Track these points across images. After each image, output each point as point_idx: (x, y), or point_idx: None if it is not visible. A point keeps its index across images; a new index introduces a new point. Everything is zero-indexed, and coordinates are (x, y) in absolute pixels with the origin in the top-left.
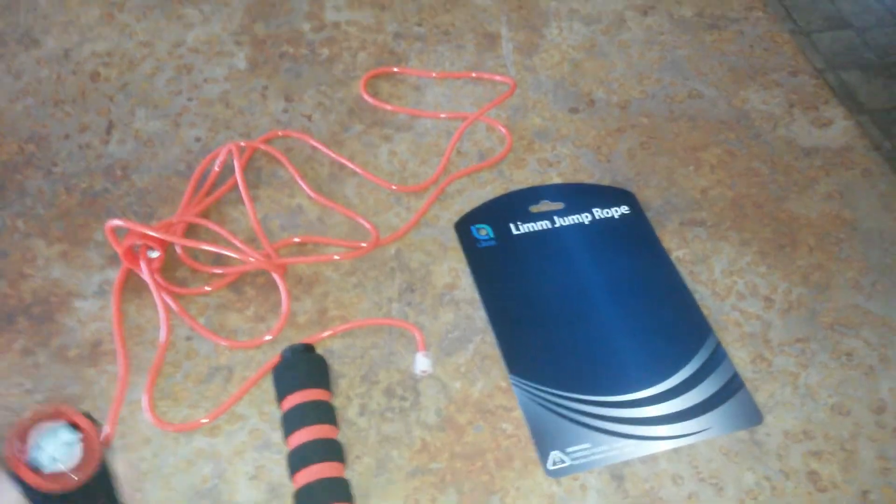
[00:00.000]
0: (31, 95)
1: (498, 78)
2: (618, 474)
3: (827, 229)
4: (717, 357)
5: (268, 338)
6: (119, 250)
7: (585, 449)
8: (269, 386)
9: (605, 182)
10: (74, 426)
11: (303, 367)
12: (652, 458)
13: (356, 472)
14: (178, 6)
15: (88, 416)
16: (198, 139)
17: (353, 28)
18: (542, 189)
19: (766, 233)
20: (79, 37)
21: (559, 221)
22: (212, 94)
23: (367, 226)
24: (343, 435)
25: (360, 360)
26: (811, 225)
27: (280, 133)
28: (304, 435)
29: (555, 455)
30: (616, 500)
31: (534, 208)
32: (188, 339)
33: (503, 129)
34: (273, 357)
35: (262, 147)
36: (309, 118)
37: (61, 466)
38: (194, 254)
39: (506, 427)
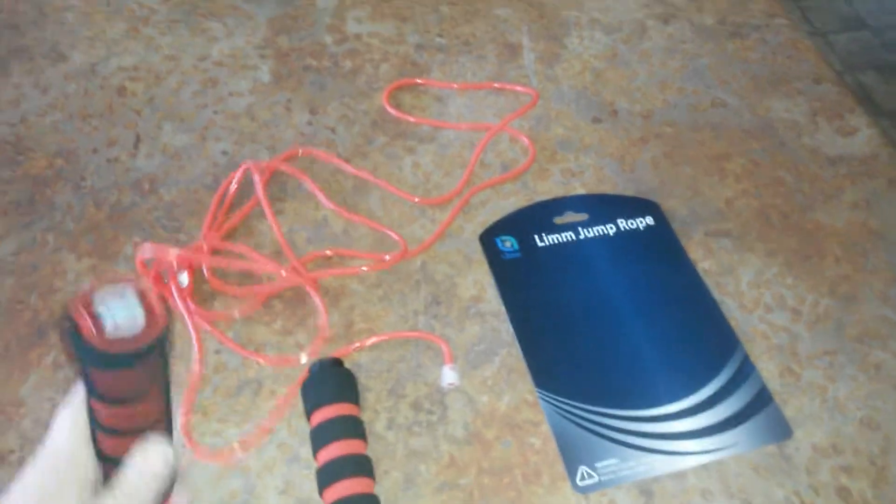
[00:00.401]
0: (58, 110)
1: (520, 88)
2: (646, 490)
3: (853, 239)
4: (746, 370)
5: (304, 360)
6: (147, 274)
7: (613, 464)
8: (297, 401)
9: (630, 192)
10: (139, 293)
11: (332, 382)
12: (681, 474)
13: (384, 487)
14: (202, 20)
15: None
16: (224, 152)
17: (375, 40)
18: (565, 200)
19: (792, 243)
20: (105, 51)
21: (583, 233)
22: (237, 107)
23: (395, 237)
24: (371, 449)
25: (386, 373)
26: (837, 235)
27: (300, 152)
28: (333, 450)
29: (583, 470)
30: None
31: (558, 220)
32: (217, 352)
33: (526, 140)
34: (302, 372)
35: (282, 167)
36: (333, 130)
37: (125, 327)
38: (222, 274)
39: (533, 442)
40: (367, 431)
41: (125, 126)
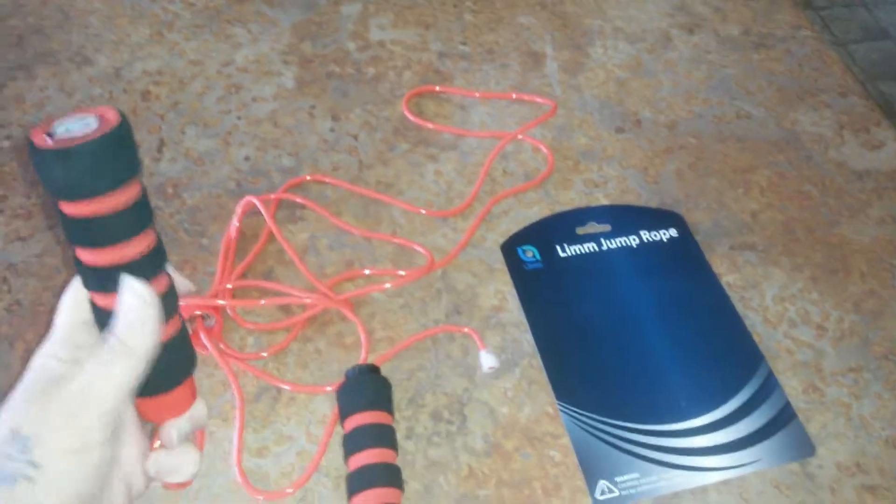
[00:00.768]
0: None
1: (539, 99)
2: None
3: (879, 255)
4: (769, 386)
5: (329, 388)
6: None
7: (634, 479)
8: (316, 406)
9: (653, 204)
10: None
11: (368, 389)
12: (702, 490)
13: (403, 498)
14: (226, 26)
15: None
16: (247, 158)
17: (398, 47)
18: (588, 211)
19: (817, 258)
20: (129, 55)
21: (606, 244)
22: (260, 113)
23: (421, 250)
24: None
25: (406, 382)
26: (864, 250)
27: (308, 177)
28: (365, 457)
29: (603, 484)
30: None
31: (580, 230)
32: (233, 358)
33: (545, 149)
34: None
35: (288, 198)
36: (355, 137)
37: (77, 131)
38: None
39: (553, 454)
40: None
41: (149, 130)
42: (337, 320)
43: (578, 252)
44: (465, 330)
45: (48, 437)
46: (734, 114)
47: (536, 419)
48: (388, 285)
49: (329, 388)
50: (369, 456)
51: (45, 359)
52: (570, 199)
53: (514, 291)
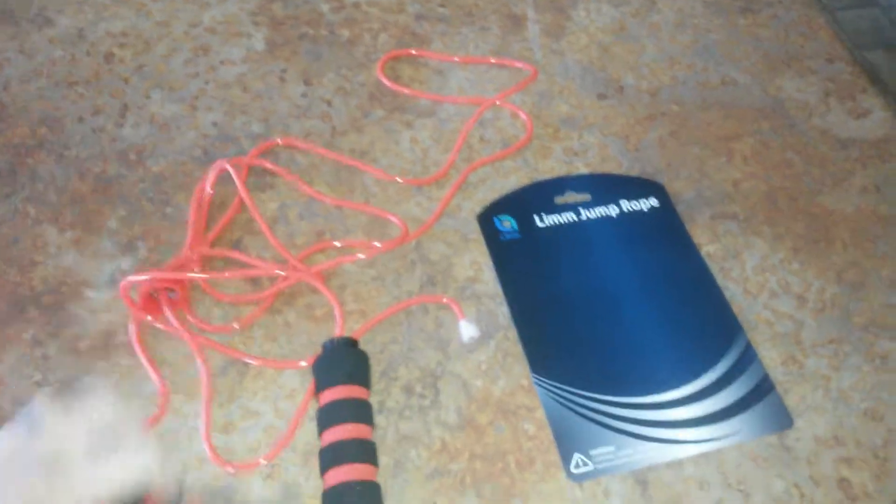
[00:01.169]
0: (43, 76)
1: (519, 64)
2: (642, 479)
3: (862, 225)
4: (748, 358)
5: (302, 363)
6: (135, 307)
7: (609, 452)
8: (284, 381)
9: (634, 173)
10: None
11: (345, 363)
12: (678, 463)
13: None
14: None
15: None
16: (214, 124)
17: (373, 9)
18: (567, 179)
19: (799, 228)
20: (93, 16)
21: (585, 214)
22: (229, 76)
23: (395, 220)
24: None
25: (378, 355)
26: (846, 220)
27: (280, 141)
28: (340, 433)
29: (577, 458)
30: None
31: (559, 199)
32: (202, 330)
33: (524, 116)
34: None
35: (259, 164)
36: (328, 103)
37: None
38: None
39: (528, 428)
40: None
41: (112, 94)
42: (307, 292)
43: (557, 222)
44: (444, 299)
45: None
46: (719, 80)
47: (511, 392)
48: (360, 256)
49: (303, 363)
50: (344, 431)
51: None
52: (549, 168)
53: (490, 262)
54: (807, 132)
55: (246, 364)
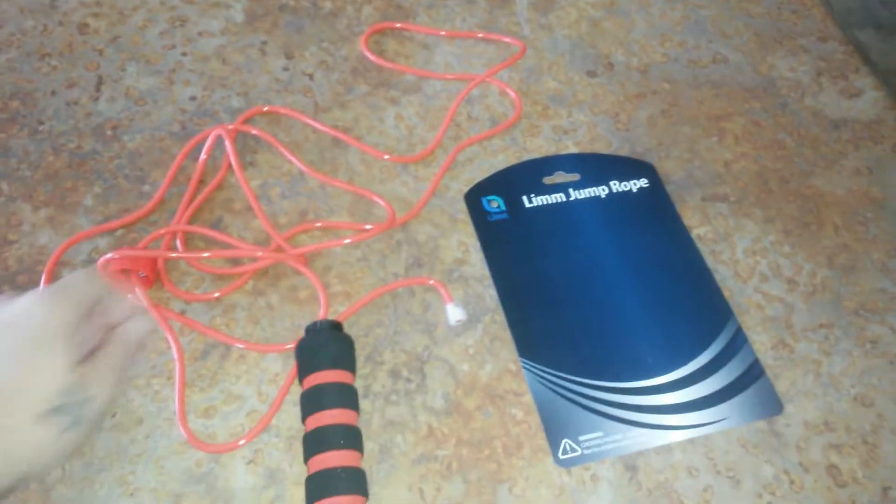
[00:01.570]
0: (14, 48)
1: (507, 39)
2: (631, 465)
3: (854, 207)
4: (738, 342)
5: (289, 346)
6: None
7: (598, 437)
8: (268, 365)
9: (624, 152)
10: None
11: (330, 346)
12: (667, 449)
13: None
14: None
15: None
16: (192, 98)
17: None
18: (556, 159)
19: (790, 210)
20: None
21: (574, 194)
22: (207, 49)
23: (381, 202)
24: None
25: (364, 338)
26: (838, 202)
27: (266, 108)
28: (324, 418)
29: (566, 443)
30: (629, 492)
31: (548, 180)
32: (182, 312)
33: (513, 94)
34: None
35: (246, 130)
36: (310, 77)
37: None
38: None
39: (515, 413)
40: None
41: (86, 67)
42: (290, 273)
43: (545, 203)
44: (431, 282)
45: None
46: (710, 58)
47: (498, 377)
48: (347, 240)
49: (289, 346)
50: (329, 417)
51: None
52: (538, 147)
53: (477, 244)
54: (799, 112)
55: (228, 347)
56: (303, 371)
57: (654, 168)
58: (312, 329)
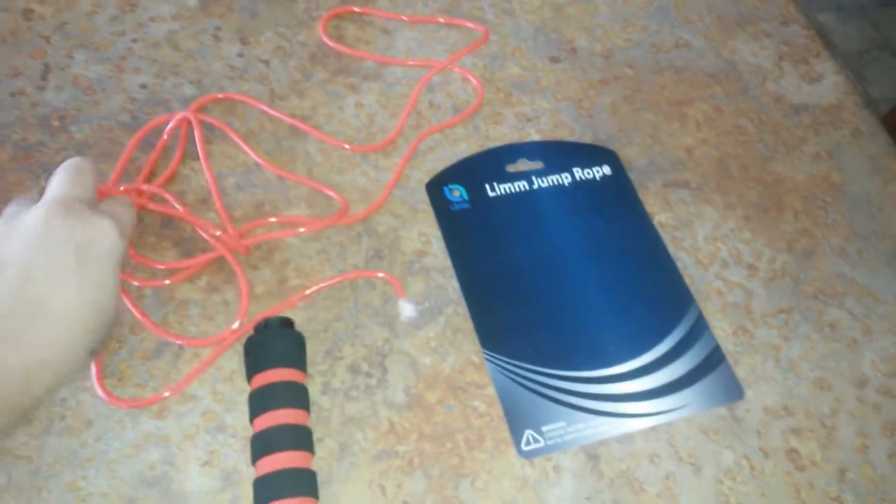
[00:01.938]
0: None
1: (469, 24)
2: (593, 454)
3: (814, 192)
4: (699, 329)
5: (235, 325)
6: None
7: (560, 428)
8: (222, 363)
9: (587, 139)
10: None
11: (279, 344)
12: (628, 437)
13: (317, 457)
14: None
15: None
16: (143, 86)
17: None
18: (520, 147)
19: (751, 196)
20: None
21: (537, 182)
22: (158, 34)
23: (334, 196)
24: None
25: (323, 333)
26: (798, 188)
27: (221, 95)
28: (272, 418)
29: (528, 434)
30: (591, 481)
31: (511, 168)
32: (139, 298)
33: (474, 81)
34: (230, 330)
35: (197, 117)
36: (267, 64)
37: None
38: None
39: (478, 405)
40: None
41: (32, 55)
42: (247, 268)
43: (508, 191)
44: (380, 274)
45: None
46: (672, 43)
47: (461, 369)
48: (302, 230)
49: (235, 325)
50: (279, 417)
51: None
52: (500, 135)
53: (439, 234)
54: (760, 97)
55: (181, 346)
56: (250, 370)
57: (617, 155)
58: (261, 326)
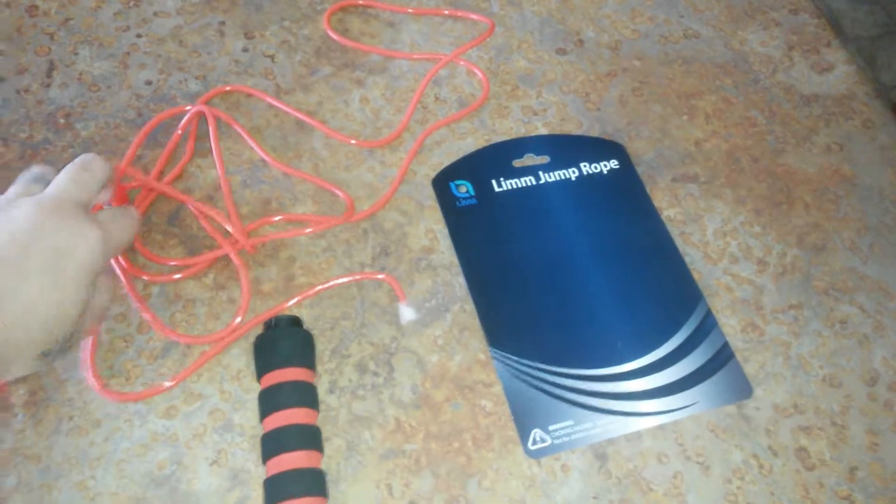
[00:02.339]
0: None
1: (475, 16)
2: (601, 453)
3: (825, 185)
4: (707, 326)
5: (238, 320)
6: None
7: (568, 427)
8: (230, 361)
9: (594, 133)
10: None
11: (288, 343)
12: (637, 436)
13: (325, 456)
14: None
15: None
16: (148, 82)
17: None
18: (526, 141)
19: (761, 189)
20: None
21: (544, 177)
22: (163, 30)
23: (341, 195)
24: None
25: (329, 332)
26: (808, 181)
27: (228, 88)
28: (282, 418)
29: (536, 434)
30: (598, 481)
31: (517, 163)
32: (146, 292)
33: (480, 74)
34: (236, 327)
35: (211, 110)
36: (272, 59)
37: None
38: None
39: (485, 404)
40: None
41: (37, 52)
42: (253, 266)
43: (515, 186)
44: (380, 276)
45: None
46: (681, 33)
47: (468, 367)
48: (308, 230)
49: (238, 319)
50: (289, 416)
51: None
52: (507, 129)
53: (445, 231)
54: (770, 88)
55: (188, 346)
56: (260, 369)
57: (625, 149)
58: (270, 325)
